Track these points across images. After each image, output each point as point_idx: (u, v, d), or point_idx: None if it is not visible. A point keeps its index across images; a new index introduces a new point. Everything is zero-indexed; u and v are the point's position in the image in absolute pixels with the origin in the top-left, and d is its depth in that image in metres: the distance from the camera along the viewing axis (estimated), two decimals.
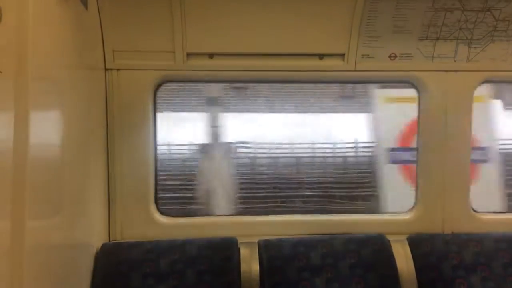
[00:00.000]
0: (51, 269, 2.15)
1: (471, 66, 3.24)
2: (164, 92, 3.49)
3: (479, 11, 3.06)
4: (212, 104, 5.96)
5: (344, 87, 6.30)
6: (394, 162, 5.56)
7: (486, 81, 3.33)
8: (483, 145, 5.74)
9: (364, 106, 5.90)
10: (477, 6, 3.04)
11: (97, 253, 2.93)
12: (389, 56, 3.19)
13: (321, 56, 3.20)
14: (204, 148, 5.68)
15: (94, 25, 2.92)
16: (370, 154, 5.65)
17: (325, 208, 5.54)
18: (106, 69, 3.10)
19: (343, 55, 3.18)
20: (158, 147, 3.37)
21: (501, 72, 3.30)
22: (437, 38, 3.14)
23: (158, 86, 3.25)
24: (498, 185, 6.02)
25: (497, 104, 6.33)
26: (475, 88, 3.30)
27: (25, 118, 1.82)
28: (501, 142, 6.12)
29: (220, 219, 3.41)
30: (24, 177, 1.81)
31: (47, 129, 2.12)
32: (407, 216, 3.40)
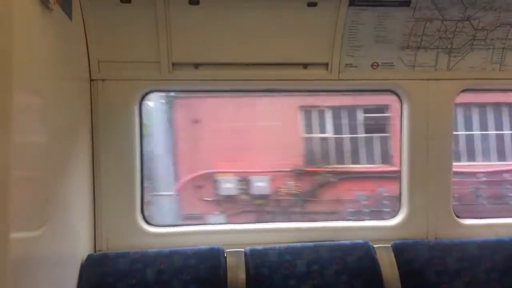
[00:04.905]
0: (36, 281, 2.14)
1: (452, 74, 3.30)
2: None
3: (458, 21, 3.13)
4: None
5: None
6: None
7: (467, 89, 3.39)
8: None
9: None
10: (457, 16, 3.10)
11: (82, 264, 2.92)
12: (372, 65, 3.24)
13: (305, 66, 3.24)
14: None
15: (78, 35, 2.92)
16: None
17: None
18: (91, 80, 3.10)
19: (327, 64, 3.22)
20: None
21: (481, 80, 3.36)
22: (418, 48, 3.20)
23: (143, 96, 3.26)
24: None
25: None
26: (456, 96, 3.37)
27: (8, 130, 1.81)
28: None
29: (207, 228, 3.41)
30: (7, 189, 1.80)
31: (31, 141, 2.11)
32: (391, 223, 3.43)
